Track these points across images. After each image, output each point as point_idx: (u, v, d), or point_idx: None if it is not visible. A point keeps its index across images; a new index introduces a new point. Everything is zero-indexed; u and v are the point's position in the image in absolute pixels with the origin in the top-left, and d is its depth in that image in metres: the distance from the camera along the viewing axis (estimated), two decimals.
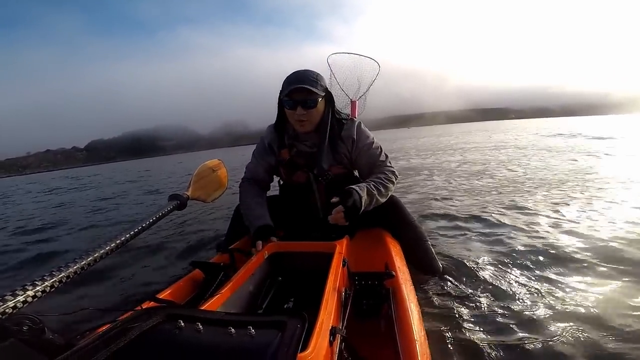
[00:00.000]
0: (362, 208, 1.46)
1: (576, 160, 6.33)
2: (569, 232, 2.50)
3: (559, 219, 2.87)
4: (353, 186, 1.48)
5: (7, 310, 0.52)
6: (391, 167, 1.72)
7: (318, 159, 1.65)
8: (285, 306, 1.23)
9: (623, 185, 3.96)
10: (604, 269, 1.88)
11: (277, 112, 1.71)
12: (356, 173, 1.87)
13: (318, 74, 1.60)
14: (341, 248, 1.30)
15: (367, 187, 1.52)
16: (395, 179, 1.68)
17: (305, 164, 1.72)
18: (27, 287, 0.58)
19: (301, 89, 1.51)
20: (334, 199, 1.42)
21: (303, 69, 1.61)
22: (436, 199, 4.03)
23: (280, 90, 1.59)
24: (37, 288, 0.59)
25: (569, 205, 3.27)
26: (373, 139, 1.75)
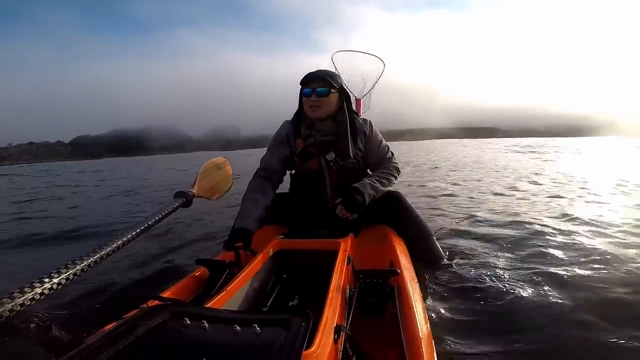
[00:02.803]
0: (367, 202, 1.69)
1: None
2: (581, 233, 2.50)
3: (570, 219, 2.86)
4: (357, 184, 1.71)
5: (15, 308, 0.53)
6: (395, 163, 1.94)
7: (342, 144, 1.81)
8: (290, 304, 1.24)
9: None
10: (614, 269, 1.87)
11: (297, 106, 1.89)
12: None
13: (335, 73, 1.88)
14: (346, 246, 1.30)
15: (369, 183, 1.73)
16: (398, 174, 1.92)
17: (318, 152, 1.83)
18: (34, 284, 0.58)
19: (316, 77, 1.77)
20: (337, 200, 1.70)
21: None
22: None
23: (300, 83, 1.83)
24: (45, 286, 0.59)
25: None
26: (382, 138, 1.93)
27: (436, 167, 9.46)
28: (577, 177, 5.92)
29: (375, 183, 1.74)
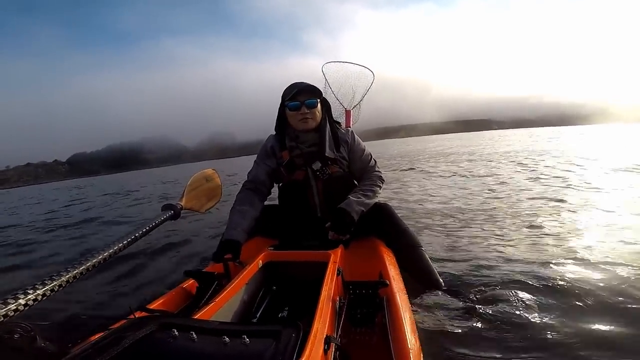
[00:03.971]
0: (356, 220, 1.68)
1: None
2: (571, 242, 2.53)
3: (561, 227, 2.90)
4: (343, 205, 1.70)
5: None
6: (379, 172, 1.95)
7: (320, 149, 1.81)
8: (279, 315, 1.23)
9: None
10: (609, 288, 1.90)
11: (276, 119, 1.91)
12: None
13: (314, 85, 1.85)
14: (335, 257, 1.30)
15: (355, 200, 1.73)
16: (382, 183, 1.92)
17: (304, 163, 1.83)
18: (18, 295, 0.57)
19: (304, 90, 1.78)
20: (327, 225, 1.68)
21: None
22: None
23: (283, 97, 1.83)
24: (29, 296, 0.58)
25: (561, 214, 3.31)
26: (364, 146, 1.95)
27: None
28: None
29: (360, 198, 1.74)
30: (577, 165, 7.02)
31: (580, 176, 5.49)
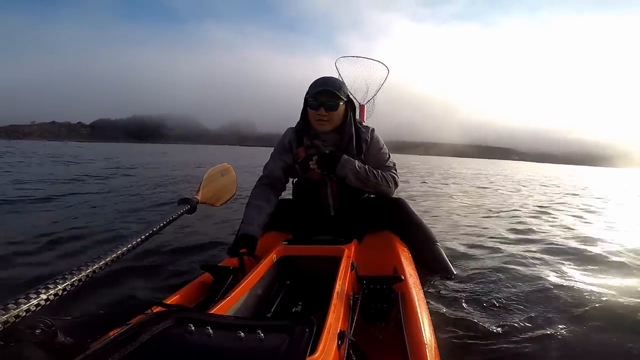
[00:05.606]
0: (341, 163, 1.65)
1: None
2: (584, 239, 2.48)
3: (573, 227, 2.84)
4: (345, 157, 1.67)
5: (20, 314, 0.53)
6: (394, 173, 1.84)
7: (339, 151, 1.73)
8: (293, 310, 1.24)
9: None
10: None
11: (301, 113, 1.84)
12: None
13: (342, 82, 1.80)
14: (349, 252, 1.30)
15: (358, 163, 1.69)
16: (394, 184, 1.80)
17: None
18: (40, 290, 0.59)
19: (325, 91, 1.68)
20: (315, 157, 1.69)
21: (328, 75, 1.80)
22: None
23: (307, 92, 1.75)
24: (50, 292, 0.60)
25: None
26: (384, 146, 1.86)
27: None
28: None
29: (364, 167, 1.71)
30: None
31: None
